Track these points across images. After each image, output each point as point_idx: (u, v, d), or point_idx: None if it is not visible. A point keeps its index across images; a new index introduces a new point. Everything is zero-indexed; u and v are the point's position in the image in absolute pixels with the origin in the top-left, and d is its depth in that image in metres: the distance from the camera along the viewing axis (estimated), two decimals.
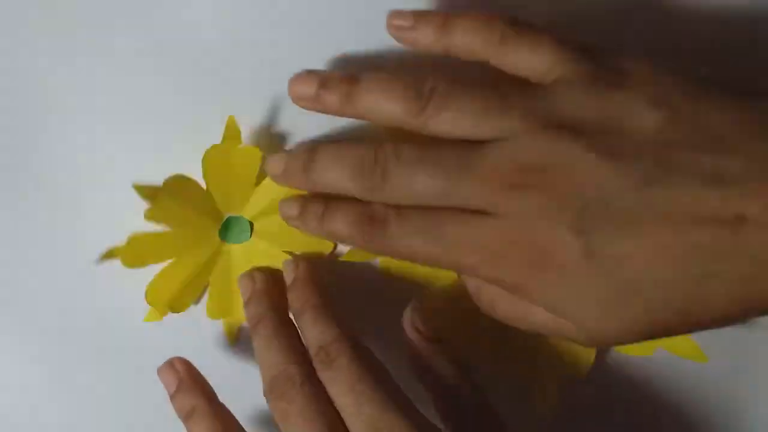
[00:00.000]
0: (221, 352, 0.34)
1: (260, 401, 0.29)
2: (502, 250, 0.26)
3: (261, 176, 0.31)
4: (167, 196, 0.30)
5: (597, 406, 0.33)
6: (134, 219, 0.31)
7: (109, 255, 0.32)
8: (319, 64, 0.31)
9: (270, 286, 0.32)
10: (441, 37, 0.28)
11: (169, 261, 0.32)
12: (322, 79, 0.28)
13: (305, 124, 0.31)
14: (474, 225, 0.26)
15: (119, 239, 0.31)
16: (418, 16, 0.28)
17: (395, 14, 0.28)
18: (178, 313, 0.32)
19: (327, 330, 0.29)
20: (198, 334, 0.34)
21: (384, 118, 0.28)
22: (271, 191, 0.31)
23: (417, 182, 0.27)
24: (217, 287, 0.32)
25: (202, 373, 0.31)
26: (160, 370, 0.31)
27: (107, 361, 0.33)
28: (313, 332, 0.29)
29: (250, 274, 0.32)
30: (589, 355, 0.32)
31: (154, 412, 0.33)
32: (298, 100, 0.29)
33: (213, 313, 0.33)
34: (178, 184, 0.30)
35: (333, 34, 0.31)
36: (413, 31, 0.28)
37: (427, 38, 0.28)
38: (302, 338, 0.30)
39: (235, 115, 0.31)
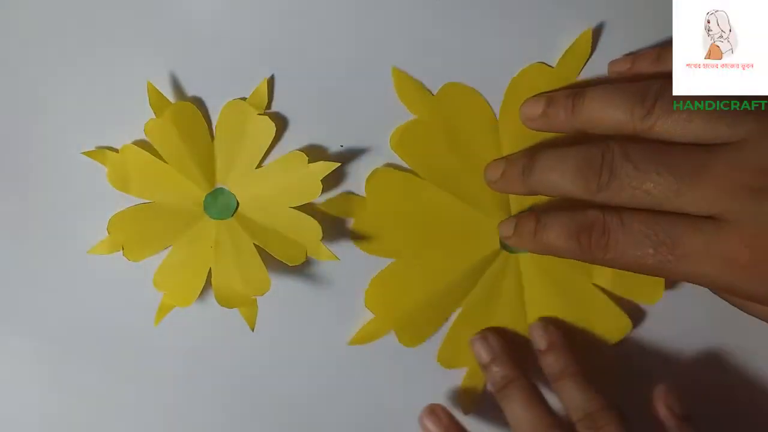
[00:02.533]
0: (221, 351, 0.33)
1: (277, 391, 0.30)
2: (748, 259, 0.25)
3: (264, 158, 0.31)
4: (171, 119, 0.30)
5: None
6: None
7: (94, 155, 0.31)
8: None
9: (507, 347, 0.32)
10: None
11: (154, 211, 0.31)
12: (549, 98, 0.29)
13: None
14: (710, 232, 0.25)
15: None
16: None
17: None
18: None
19: (594, 398, 0.30)
20: (197, 334, 0.33)
21: (608, 124, 0.28)
22: (269, 178, 0.31)
23: (647, 181, 0.26)
24: (181, 254, 0.31)
25: (198, 370, 0.30)
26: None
27: (108, 361, 0.33)
28: (578, 398, 0.30)
29: (485, 336, 0.32)
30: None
31: (154, 412, 0.33)
32: (527, 120, 0.30)
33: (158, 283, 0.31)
34: (186, 113, 0.30)
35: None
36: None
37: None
38: (561, 401, 0.31)
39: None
